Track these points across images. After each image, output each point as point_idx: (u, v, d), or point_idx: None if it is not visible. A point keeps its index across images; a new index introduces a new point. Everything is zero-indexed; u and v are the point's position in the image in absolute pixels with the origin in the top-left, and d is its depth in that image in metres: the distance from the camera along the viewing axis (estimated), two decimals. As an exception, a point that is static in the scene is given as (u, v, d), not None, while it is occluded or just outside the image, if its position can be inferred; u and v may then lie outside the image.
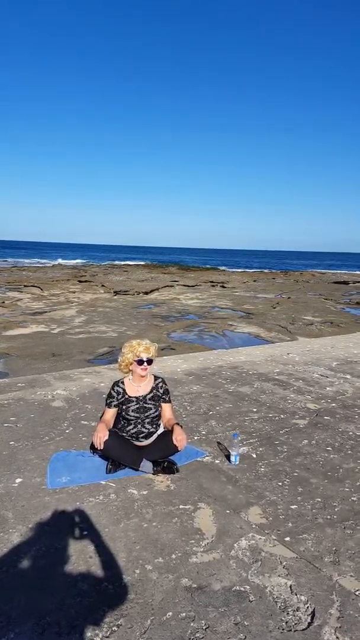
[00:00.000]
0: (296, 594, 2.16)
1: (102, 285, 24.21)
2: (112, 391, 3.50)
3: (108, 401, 3.50)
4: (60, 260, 58.71)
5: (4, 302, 16.69)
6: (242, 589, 2.19)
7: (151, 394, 3.50)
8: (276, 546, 2.51)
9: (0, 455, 3.53)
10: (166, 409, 3.55)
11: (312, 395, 5.21)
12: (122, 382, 3.52)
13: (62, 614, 2.02)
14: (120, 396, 3.46)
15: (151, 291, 22.70)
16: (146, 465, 3.27)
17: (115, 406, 3.46)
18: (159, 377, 3.62)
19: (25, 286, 22.70)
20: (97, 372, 6.16)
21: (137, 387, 3.51)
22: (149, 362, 3.45)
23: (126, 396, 3.46)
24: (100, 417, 3.55)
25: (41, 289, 21.61)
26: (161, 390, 3.54)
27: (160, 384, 3.56)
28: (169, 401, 3.58)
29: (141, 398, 3.47)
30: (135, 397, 3.47)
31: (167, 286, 25.72)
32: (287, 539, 2.58)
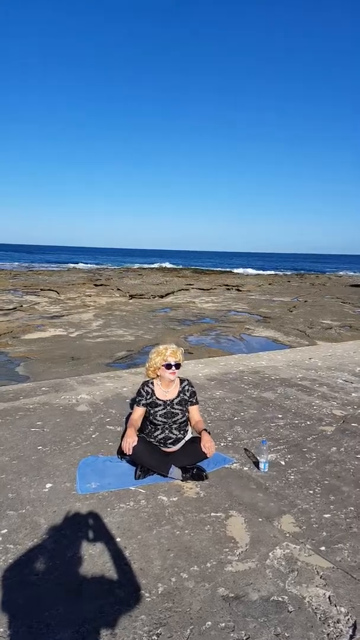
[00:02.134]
0: (335, 605, 2.13)
1: (118, 289, 24.30)
2: (141, 389, 3.52)
3: (137, 399, 3.52)
4: (80, 264, 59.21)
5: (22, 306, 16.84)
6: (280, 599, 2.16)
7: (178, 398, 3.51)
8: (312, 556, 2.48)
9: (29, 460, 3.55)
10: (194, 412, 3.56)
11: (337, 402, 5.15)
12: (152, 383, 3.54)
13: (101, 622, 2.01)
14: (149, 396, 3.48)
15: (167, 295, 22.73)
16: (175, 471, 3.26)
17: (144, 405, 3.48)
18: (185, 379, 3.62)
19: (42, 290, 22.90)
20: (119, 376, 6.17)
21: (165, 392, 3.52)
22: (177, 366, 3.46)
23: (154, 397, 3.47)
24: (126, 422, 3.56)
25: (58, 293, 21.77)
26: (188, 394, 3.54)
27: (187, 387, 3.56)
28: (196, 403, 3.59)
29: (168, 402, 3.48)
30: (162, 400, 3.48)
31: (183, 290, 25.72)
32: (323, 548, 2.54)
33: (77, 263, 61.97)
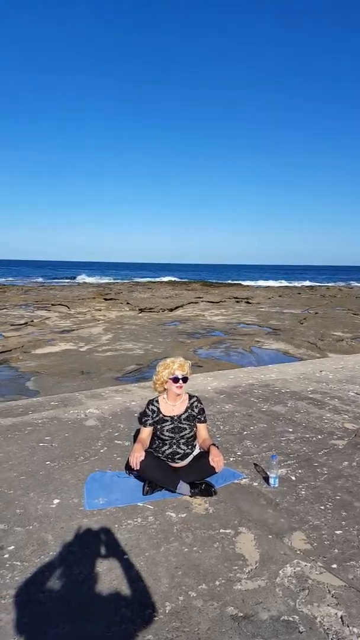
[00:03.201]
0: (348, 626, 2.07)
1: (127, 303, 24.39)
2: (147, 409, 3.49)
3: (143, 420, 3.48)
4: (85, 278, 59.71)
5: (32, 321, 16.96)
6: (290, 618, 2.11)
7: (186, 414, 3.47)
8: (323, 574, 2.42)
9: (37, 476, 3.53)
10: (201, 429, 3.51)
11: (349, 415, 5.08)
12: (157, 401, 3.51)
13: (107, 642, 1.98)
14: (155, 415, 3.45)
15: (176, 308, 22.74)
16: (183, 487, 3.22)
17: (150, 425, 3.44)
18: (194, 396, 3.59)
19: (52, 305, 23.05)
20: (127, 390, 6.16)
21: (172, 406, 3.48)
22: (184, 379, 3.44)
23: (161, 415, 3.44)
24: (134, 437, 3.53)
25: (68, 307, 21.90)
26: (196, 410, 3.50)
27: (196, 403, 3.52)
28: (204, 421, 3.54)
29: (176, 418, 3.45)
30: (169, 416, 3.45)
31: (192, 303, 25.73)
32: (334, 566, 2.49)
33: (74, 277, 62.45)
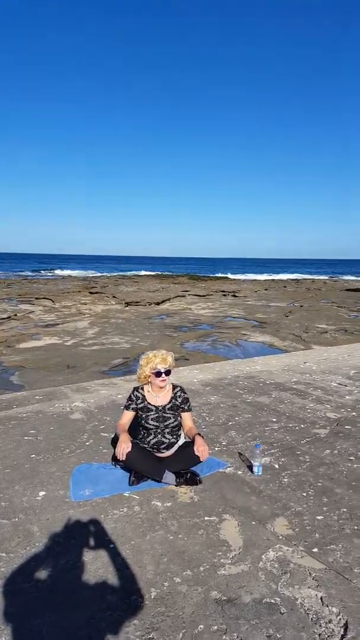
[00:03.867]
0: (327, 606, 2.13)
1: (114, 297, 24.33)
2: (131, 395, 3.53)
3: (127, 404, 3.52)
4: (69, 272, 59.48)
5: (16, 315, 16.83)
6: (272, 601, 2.17)
7: (170, 404, 3.51)
8: (304, 557, 2.49)
9: (22, 469, 3.54)
10: (186, 418, 3.55)
11: (331, 405, 5.17)
12: (142, 388, 3.55)
13: (93, 629, 2.01)
14: (139, 401, 3.48)
15: (163, 302, 22.75)
16: (169, 476, 3.26)
17: (133, 409, 3.48)
18: (178, 386, 3.62)
19: (36, 299, 22.89)
20: (113, 383, 6.18)
21: (156, 396, 3.52)
22: (167, 373, 3.46)
23: (145, 402, 3.48)
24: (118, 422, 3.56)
25: (52, 301, 21.77)
26: (180, 400, 3.53)
27: (179, 393, 3.56)
28: (189, 410, 3.58)
29: (160, 408, 3.48)
30: (154, 406, 3.48)
31: (179, 296, 25.76)
32: (315, 550, 2.55)
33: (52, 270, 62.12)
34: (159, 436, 3.44)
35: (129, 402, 3.52)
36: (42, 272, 58.98)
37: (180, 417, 3.54)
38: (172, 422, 3.48)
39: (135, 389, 3.56)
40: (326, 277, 57.55)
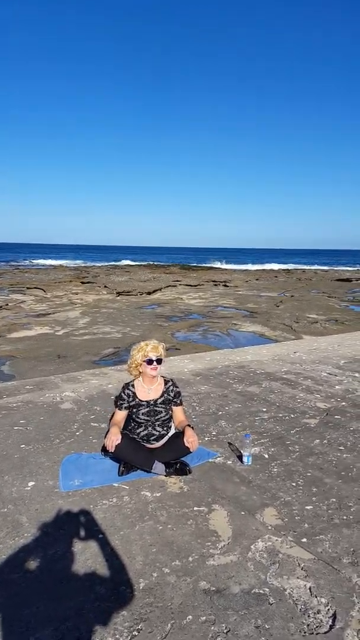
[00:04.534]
0: (316, 596, 2.14)
1: (105, 286, 24.21)
2: (122, 394, 3.48)
3: (118, 403, 3.47)
4: (61, 262, 59.11)
5: (7, 305, 16.69)
6: (261, 591, 2.17)
7: (162, 398, 3.47)
8: (293, 547, 2.49)
9: (12, 459, 3.52)
10: (178, 412, 3.53)
11: (321, 394, 5.19)
12: (133, 385, 3.50)
13: (81, 619, 2.00)
14: (130, 399, 3.44)
15: (154, 291, 22.69)
16: (158, 467, 3.26)
17: (125, 408, 3.44)
18: (170, 380, 3.59)
19: (28, 288, 22.72)
20: (104, 373, 6.15)
21: (148, 389, 3.48)
22: (159, 361, 3.43)
23: (137, 399, 3.44)
24: (110, 419, 3.54)
25: (44, 291, 21.62)
26: (172, 394, 3.50)
27: (171, 387, 3.52)
28: (181, 404, 3.55)
29: (152, 402, 3.45)
30: (145, 401, 3.45)
31: (170, 286, 25.70)
32: (304, 540, 2.56)
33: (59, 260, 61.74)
34: (150, 428, 3.42)
35: (121, 401, 3.45)
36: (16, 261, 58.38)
37: (172, 410, 3.52)
38: (164, 416, 3.46)
39: (126, 386, 3.49)
40: (317, 267, 57.69)
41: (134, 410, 3.43)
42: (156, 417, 3.43)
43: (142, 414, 3.42)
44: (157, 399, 3.46)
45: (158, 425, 3.44)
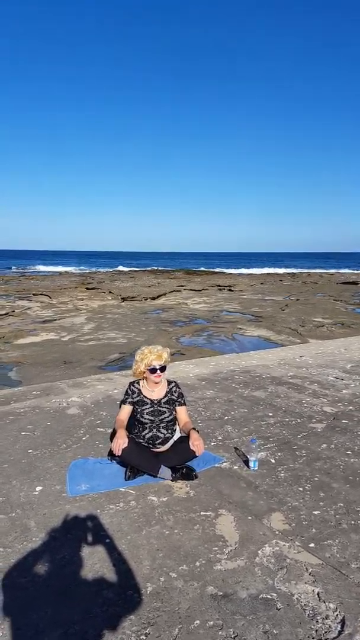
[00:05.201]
0: (324, 602, 2.13)
1: (110, 292, 24.27)
2: (128, 389, 3.56)
3: (124, 398, 3.54)
4: (68, 268, 59.45)
5: (14, 311, 16.77)
6: (268, 596, 2.17)
7: (166, 398, 3.52)
8: (301, 553, 2.49)
9: (19, 464, 3.53)
10: (181, 412, 3.56)
11: (328, 399, 5.18)
12: (138, 382, 3.57)
13: (88, 624, 2.01)
14: (135, 395, 3.50)
15: (158, 296, 22.72)
16: (164, 471, 3.26)
17: (130, 403, 3.49)
18: (172, 381, 3.64)
19: (34, 295, 22.82)
20: (110, 378, 6.17)
21: (152, 391, 3.53)
22: (162, 369, 3.47)
23: (142, 396, 3.49)
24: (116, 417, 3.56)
25: (50, 297, 21.71)
26: (175, 394, 3.55)
27: (175, 388, 3.57)
28: (184, 404, 3.59)
29: (156, 402, 3.50)
30: (150, 399, 3.49)
31: (174, 291, 25.72)
32: (312, 545, 2.55)
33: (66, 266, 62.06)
34: (154, 430, 3.44)
35: (126, 396, 3.55)
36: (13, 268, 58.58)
37: (176, 411, 3.55)
38: (167, 417, 3.48)
39: (132, 383, 3.58)
40: (322, 271, 57.56)
41: (138, 408, 3.47)
42: (160, 418, 3.45)
43: (147, 413, 3.45)
44: (161, 398, 3.50)
45: (162, 427, 3.46)
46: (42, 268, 59.99)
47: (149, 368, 3.44)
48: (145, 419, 3.45)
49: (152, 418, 3.45)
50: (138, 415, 3.47)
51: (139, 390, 3.52)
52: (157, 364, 3.44)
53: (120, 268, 60.75)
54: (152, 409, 3.47)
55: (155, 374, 3.44)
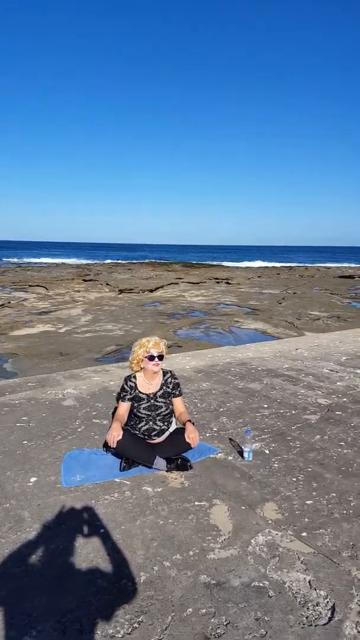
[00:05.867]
0: (315, 589, 2.16)
1: (107, 284, 24.23)
2: (125, 385, 3.53)
3: (122, 395, 3.53)
4: (63, 260, 59.24)
5: (10, 302, 16.74)
6: (261, 584, 2.19)
7: (161, 391, 3.51)
8: (293, 542, 2.51)
9: (14, 455, 3.54)
10: (177, 403, 3.56)
11: (322, 391, 5.20)
12: (134, 377, 3.55)
13: (82, 612, 2.03)
14: (132, 391, 3.49)
15: (156, 289, 22.70)
16: (159, 462, 3.28)
17: (128, 400, 3.49)
18: (168, 371, 3.62)
19: (30, 286, 22.76)
20: (106, 370, 6.17)
21: (149, 384, 3.52)
22: (160, 357, 3.46)
23: (137, 391, 3.48)
24: (112, 414, 3.57)
25: (46, 289, 21.66)
26: (171, 386, 3.54)
27: (170, 379, 3.56)
28: (180, 395, 3.59)
29: (152, 396, 3.49)
30: (146, 394, 3.49)
31: (172, 284, 25.71)
32: (304, 534, 2.58)
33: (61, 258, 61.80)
34: (150, 423, 3.45)
35: (123, 393, 3.52)
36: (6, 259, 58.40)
37: (172, 404, 3.55)
38: (164, 411, 3.49)
39: (127, 378, 3.55)
40: (319, 264, 57.57)
41: (135, 404, 3.47)
42: (157, 412, 3.46)
43: (143, 408, 3.45)
44: (157, 392, 3.50)
45: (159, 420, 3.47)
46: (44, 260, 59.64)
47: (147, 355, 3.43)
48: (142, 413, 3.46)
49: (148, 412, 3.46)
50: (135, 410, 3.47)
51: (135, 385, 3.51)
52: (155, 351, 3.44)
53: (118, 260, 60.65)
54: (148, 403, 3.47)
55: (153, 362, 3.43)
